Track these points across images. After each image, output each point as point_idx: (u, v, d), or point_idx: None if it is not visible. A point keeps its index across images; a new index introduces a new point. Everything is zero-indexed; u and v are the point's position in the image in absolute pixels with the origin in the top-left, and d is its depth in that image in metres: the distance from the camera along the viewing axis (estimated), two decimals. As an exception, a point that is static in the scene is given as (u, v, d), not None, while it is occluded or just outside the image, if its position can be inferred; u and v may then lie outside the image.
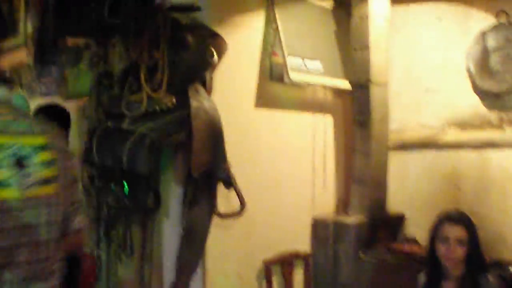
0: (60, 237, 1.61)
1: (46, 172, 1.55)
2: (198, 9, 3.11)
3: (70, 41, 3.64)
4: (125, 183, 2.98)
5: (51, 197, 1.56)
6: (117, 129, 3.00)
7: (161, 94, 2.99)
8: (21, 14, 4.11)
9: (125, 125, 2.99)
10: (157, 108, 2.91)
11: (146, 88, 3.01)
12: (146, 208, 3.10)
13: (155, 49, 3.03)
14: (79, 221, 1.75)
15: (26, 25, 4.05)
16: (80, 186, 1.99)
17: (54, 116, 3.31)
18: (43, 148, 1.56)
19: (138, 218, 3.20)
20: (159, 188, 3.15)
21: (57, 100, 3.67)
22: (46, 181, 1.55)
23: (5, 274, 1.42)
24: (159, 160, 3.03)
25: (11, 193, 1.45)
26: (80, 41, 3.57)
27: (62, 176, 1.61)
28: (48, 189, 1.55)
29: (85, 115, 3.39)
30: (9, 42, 4.34)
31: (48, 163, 1.56)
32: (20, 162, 1.49)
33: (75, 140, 3.36)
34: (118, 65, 3.25)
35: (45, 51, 3.80)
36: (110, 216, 3.15)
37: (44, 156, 1.55)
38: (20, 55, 4.10)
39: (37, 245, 1.51)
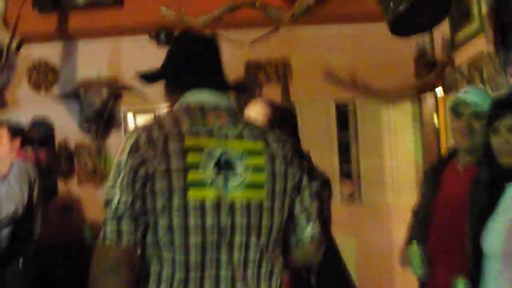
0: (274, 243, 1.58)
1: (253, 177, 1.54)
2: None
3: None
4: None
5: (256, 202, 1.53)
6: None
7: None
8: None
9: None
10: None
11: None
12: None
13: None
14: (311, 231, 1.68)
15: (480, 6, 3.31)
16: (307, 194, 1.68)
17: None
18: (252, 153, 1.55)
19: None
20: None
21: None
22: (252, 186, 1.53)
23: (207, 271, 1.48)
24: None
25: (210, 193, 1.47)
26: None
27: (274, 182, 1.56)
28: (252, 194, 1.53)
29: None
30: (463, 32, 3.69)
31: (257, 169, 1.54)
32: (225, 165, 1.50)
33: None
34: None
35: (508, 33, 2.96)
36: None
37: (253, 161, 1.54)
38: (478, 44, 3.38)
39: (241, 246, 1.51)
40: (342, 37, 4.92)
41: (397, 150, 4.96)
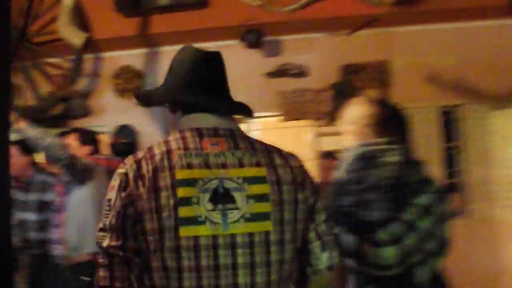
0: (286, 279, 1.43)
1: (256, 208, 1.39)
2: None
3: None
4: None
5: (260, 236, 1.38)
6: None
7: None
8: None
9: None
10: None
11: None
12: None
13: None
14: (329, 261, 1.51)
15: None
16: (322, 219, 1.47)
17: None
18: (254, 181, 1.40)
19: None
20: None
21: None
22: (255, 218, 1.38)
23: None
24: None
25: (205, 230, 1.34)
26: None
27: (282, 211, 1.41)
28: (256, 227, 1.38)
29: None
30: None
31: (260, 198, 1.39)
32: (222, 198, 1.37)
33: None
34: None
35: None
36: None
37: (255, 190, 1.39)
38: None
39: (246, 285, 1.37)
40: (445, 37, 4.51)
41: (509, 160, 4.46)
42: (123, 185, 1.38)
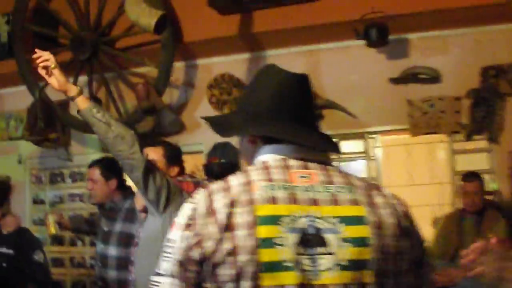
0: None
1: (353, 254, 1.25)
2: None
3: None
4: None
5: (360, 287, 1.26)
6: None
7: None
8: None
9: None
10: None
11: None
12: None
13: None
14: None
15: None
16: (429, 272, 1.37)
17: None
18: (351, 221, 1.28)
19: None
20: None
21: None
22: (352, 267, 1.25)
23: None
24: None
25: (292, 279, 1.21)
26: None
27: (384, 260, 1.28)
28: (352, 277, 1.24)
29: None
30: None
31: (358, 242, 1.26)
32: (313, 240, 1.25)
33: None
34: None
35: None
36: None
37: (353, 232, 1.26)
38: None
39: None
40: None
41: None
42: (189, 222, 1.27)
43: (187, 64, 4.58)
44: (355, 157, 4.39)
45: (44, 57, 2.36)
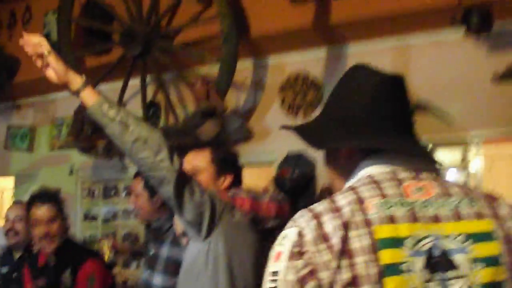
0: None
1: (486, 276, 1.16)
2: None
3: None
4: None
5: None
6: None
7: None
8: None
9: None
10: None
11: None
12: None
13: None
14: None
15: None
16: None
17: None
18: (478, 238, 1.19)
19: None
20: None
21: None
22: None
23: None
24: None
25: None
26: None
27: None
28: None
29: None
30: None
31: (491, 261, 1.17)
32: (441, 262, 1.15)
33: None
34: None
35: None
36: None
37: (482, 250, 1.17)
38: None
39: None
40: None
41: None
42: (297, 250, 1.14)
43: (255, 63, 4.28)
44: (449, 167, 3.93)
45: (33, 41, 1.86)
